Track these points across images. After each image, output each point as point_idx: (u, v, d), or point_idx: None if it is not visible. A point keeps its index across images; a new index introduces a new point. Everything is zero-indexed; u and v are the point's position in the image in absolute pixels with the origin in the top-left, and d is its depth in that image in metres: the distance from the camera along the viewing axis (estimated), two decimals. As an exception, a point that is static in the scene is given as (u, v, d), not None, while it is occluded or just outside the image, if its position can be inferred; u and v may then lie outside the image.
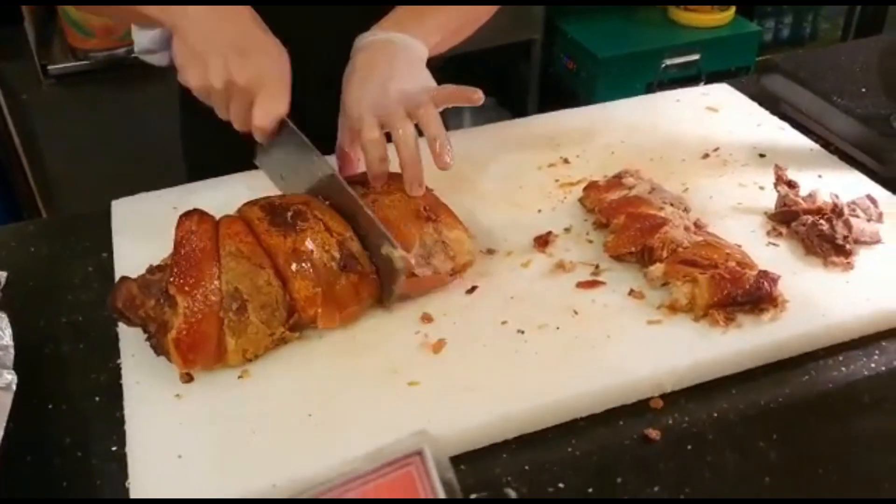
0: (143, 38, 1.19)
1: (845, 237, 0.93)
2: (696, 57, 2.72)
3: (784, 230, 0.98)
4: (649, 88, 2.66)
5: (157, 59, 1.21)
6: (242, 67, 0.89)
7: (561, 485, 0.73)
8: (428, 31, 1.01)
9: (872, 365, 0.84)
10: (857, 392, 0.81)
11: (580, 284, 0.92)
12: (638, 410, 0.80)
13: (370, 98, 0.93)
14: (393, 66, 0.95)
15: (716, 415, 0.79)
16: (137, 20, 1.06)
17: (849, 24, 3.24)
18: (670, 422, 0.79)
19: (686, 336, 0.85)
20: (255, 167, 1.03)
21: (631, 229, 0.94)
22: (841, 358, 0.85)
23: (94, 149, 2.23)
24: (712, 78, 2.71)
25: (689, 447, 0.75)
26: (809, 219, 0.95)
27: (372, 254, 0.88)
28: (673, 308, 0.87)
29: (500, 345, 0.85)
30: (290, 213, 0.85)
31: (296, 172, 0.95)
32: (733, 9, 2.83)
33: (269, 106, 0.90)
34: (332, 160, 0.99)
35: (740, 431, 0.77)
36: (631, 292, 0.91)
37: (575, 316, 0.88)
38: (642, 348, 0.83)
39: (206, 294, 0.79)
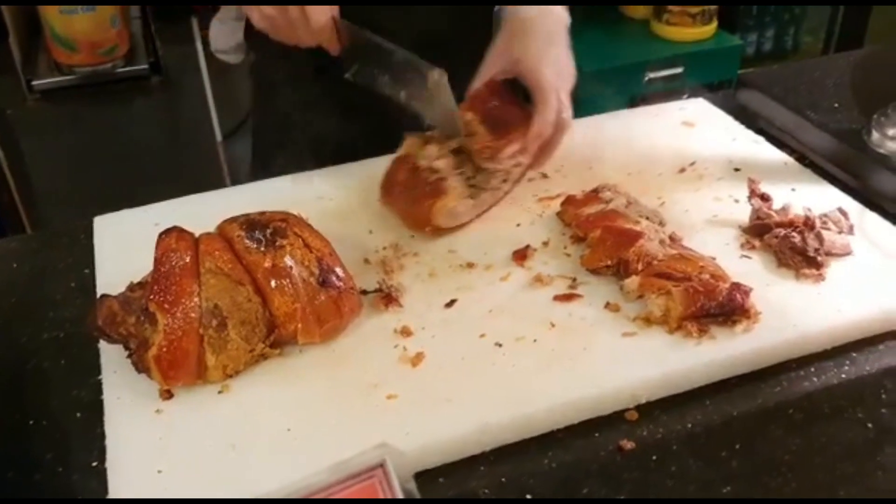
0: (218, 40, 1.30)
1: (817, 249, 0.94)
2: (679, 70, 2.75)
3: (757, 243, 0.99)
4: (633, 102, 2.69)
5: (232, 58, 1.35)
6: None
7: (528, 496, 0.74)
8: None
9: (843, 375, 0.86)
10: (820, 402, 0.82)
11: (557, 297, 0.94)
12: (614, 422, 0.82)
13: (563, 82, 1.10)
14: (564, 46, 1.13)
15: (689, 425, 0.80)
16: None
17: (830, 37, 3.28)
18: (645, 433, 0.80)
19: (660, 348, 0.86)
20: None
21: (607, 243, 0.95)
22: (813, 369, 0.87)
23: (79, 163, 2.23)
24: (696, 91, 2.74)
25: (655, 457, 0.77)
26: (782, 231, 0.97)
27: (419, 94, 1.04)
28: (648, 320, 0.89)
29: (478, 357, 0.86)
30: (269, 230, 0.86)
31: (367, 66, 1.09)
32: (715, 22, 2.86)
33: (317, 7, 1.01)
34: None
35: (704, 441, 0.78)
36: (607, 305, 0.92)
37: (552, 329, 0.89)
38: (617, 360, 0.85)
39: (185, 311, 0.80)
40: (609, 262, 0.95)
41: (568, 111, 1.10)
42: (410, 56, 1.05)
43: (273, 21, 1.03)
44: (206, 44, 2.06)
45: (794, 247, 0.95)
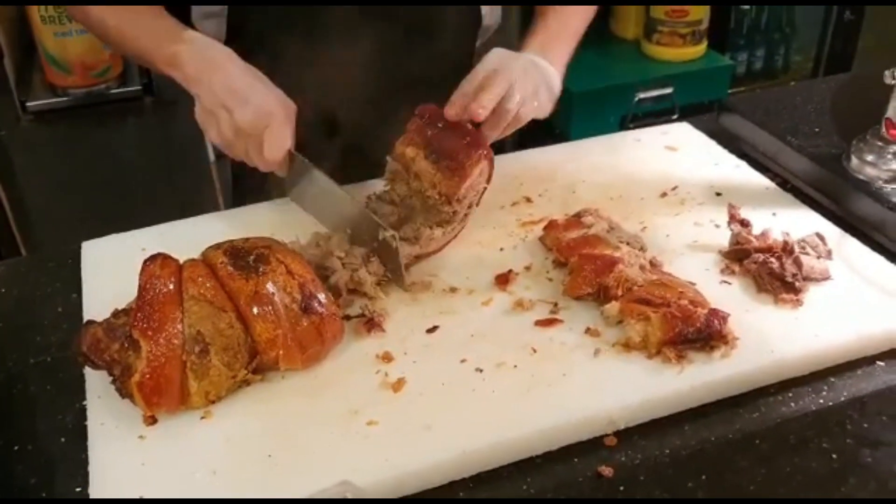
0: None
1: (795, 275, 0.95)
2: (669, 90, 2.77)
3: (737, 268, 1.00)
4: (623, 122, 2.71)
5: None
6: (245, 114, 1.01)
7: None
8: (563, 59, 1.22)
9: (821, 401, 0.86)
10: (787, 433, 0.82)
11: (538, 322, 0.95)
12: (593, 448, 0.82)
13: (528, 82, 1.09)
14: (545, 82, 1.14)
15: (668, 451, 0.81)
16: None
17: (820, 56, 3.30)
18: (623, 458, 0.81)
19: (639, 373, 0.87)
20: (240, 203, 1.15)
21: (585, 270, 0.96)
22: (791, 394, 0.87)
23: (73, 183, 2.24)
24: (686, 111, 2.76)
25: (622, 488, 0.77)
26: (760, 257, 0.98)
27: (369, 244, 1.01)
28: (627, 346, 0.90)
29: (458, 383, 0.87)
30: (252, 257, 0.87)
31: (312, 197, 1.11)
32: (705, 43, 2.89)
33: (275, 142, 1.02)
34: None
35: (671, 472, 0.79)
36: (587, 330, 0.93)
37: (533, 354, 0.90)
38: (596, 386, 0.86)
39: (168, 338, 0.81)
40: (590, 290, 0.96)
41: (512, 100, 1.06)
42: (364, 211, 1.03)
43: (228, 142, 1.04)
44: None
45: (772, 272, 0.96)
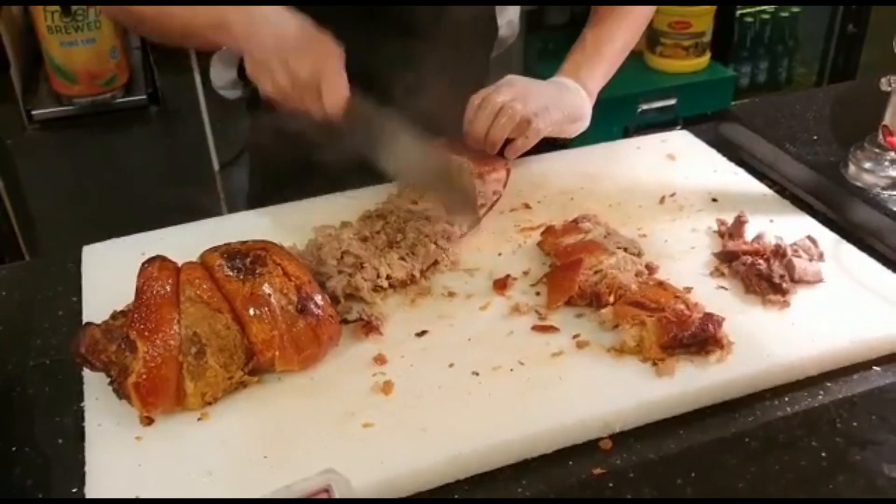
0: (219, 77, 1.38)
1: (782, 276, 0.96)
2: (672, 102, 2.78)
3: (726, 270, 1.01)
4: (626, 133, 2.71)
5: (230, 94, 1.40)
6: (301, 65, 1.01)
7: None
8: (597, 79, 1.28)
9: (816, 405, 0.86)
10: (776, 432, 0.83)
11: (535, 327, 0.95)
12: (588, 451, 0.82)
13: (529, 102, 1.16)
14: (559, 102, 1.21)
15: (662, 455, 0.81)
16: (200, 47, 1.15)
17: (823, 69, 3.31)
18: (619, 462, 0.81)
19: (634, 378, 0.87)
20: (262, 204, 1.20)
21: (556, 279, 0.98)
22: (786, 398, 0.87)
23: (77, 192, 2.25)
24: (689, 122, 2.77)
25: (611, 484, 0.77)
26: (749, 259, 0.98)
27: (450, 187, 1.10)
28: (622, 350, 0.90)
29: (454, 386, 0.87)
30: (248, 259, 0.87)
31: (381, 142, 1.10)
32: (709, 54, 2.90)
33: (333, 90, 1.03)
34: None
35: (661, 470, 0.79)
36: (583, 334, 0.93)
37: (529, 358, 0.90)
38: (592, 390, 0.86)
39: (165, 339, 0.82)
40: (567, 296, 0.96)
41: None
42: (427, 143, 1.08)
43: (285, 93, 1.04)
44: (203, 74, 2.10)
45: (760, 273, 0.96)
